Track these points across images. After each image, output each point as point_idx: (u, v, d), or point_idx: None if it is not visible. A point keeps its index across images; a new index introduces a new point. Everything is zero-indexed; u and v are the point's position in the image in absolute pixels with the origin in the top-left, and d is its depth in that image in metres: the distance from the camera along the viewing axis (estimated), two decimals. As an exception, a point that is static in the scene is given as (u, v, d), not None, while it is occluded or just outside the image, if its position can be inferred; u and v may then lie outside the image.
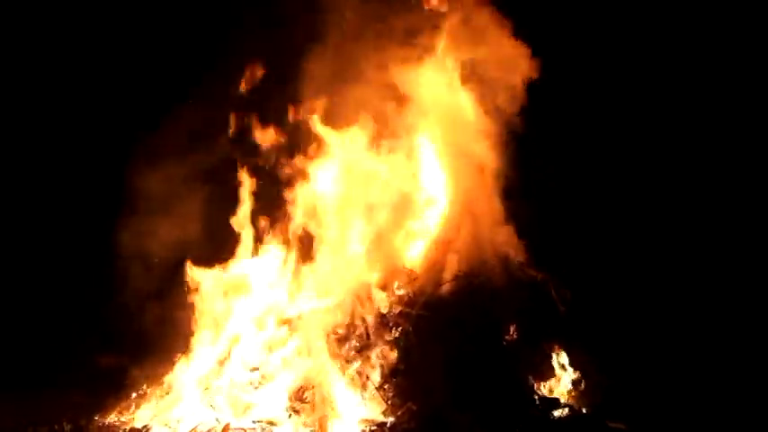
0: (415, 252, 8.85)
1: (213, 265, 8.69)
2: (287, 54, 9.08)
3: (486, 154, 8.80)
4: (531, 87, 8.81)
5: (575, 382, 8.37)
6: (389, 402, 7.70)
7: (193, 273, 8.66)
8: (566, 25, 10.58)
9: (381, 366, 7.91)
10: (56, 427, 7.94)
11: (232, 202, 8.97)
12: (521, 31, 8.78)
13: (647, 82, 11.18)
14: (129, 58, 11.24)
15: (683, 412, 7.99)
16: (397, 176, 8.90)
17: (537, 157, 9.57)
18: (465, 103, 8.93)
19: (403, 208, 8.89)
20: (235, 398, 7.87)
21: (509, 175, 8.76)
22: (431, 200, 9.03)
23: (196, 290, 8.62)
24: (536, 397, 8.06)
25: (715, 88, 11.05)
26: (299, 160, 8.88)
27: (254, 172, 9.05)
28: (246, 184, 9.00)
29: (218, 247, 8.89)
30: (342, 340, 8.05)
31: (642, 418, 7.89)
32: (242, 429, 7.54)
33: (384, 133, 8.93)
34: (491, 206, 8.75)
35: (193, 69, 10.39)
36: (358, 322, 8.13)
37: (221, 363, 8.23)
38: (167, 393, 8.26)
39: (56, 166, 11.71)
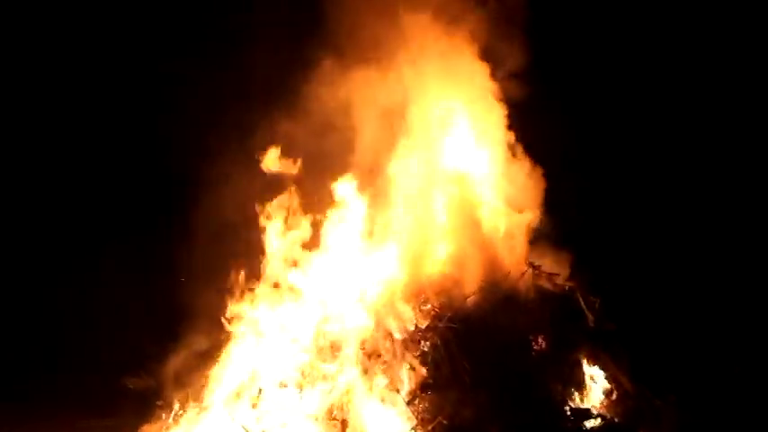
0: (439, 265, 8.81)
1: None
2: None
3: (509, 162, 8.82)
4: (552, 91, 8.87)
5: (606, 392, 8.29)
6: (420, 417, 7.66)
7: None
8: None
9: (411, 381, 7.88)
10: (89, 449, 8.02)
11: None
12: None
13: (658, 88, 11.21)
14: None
15: (716, 419, 7.89)
16: (418, 189, 8.91)
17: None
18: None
19: (426, 222, 8.88)
20: (265, 416, 7.88)
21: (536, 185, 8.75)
22: (453, 212, 8.99)
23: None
24: (567, 408, 7.99)
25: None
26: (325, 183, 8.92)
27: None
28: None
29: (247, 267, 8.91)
30: (371, 356, 8.04)
31: (676, 425, 7.80)
32: (273, 448, 7.55)
33: (403, 147, 8.95)
34: (516, 217, 8.74)
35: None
36: (386, 338, 8.11)
37: (251, 382, 8.24)
38: (198, 413, 8.28)
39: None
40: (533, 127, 9.08)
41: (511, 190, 8.98)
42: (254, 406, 8.03)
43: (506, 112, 8.95)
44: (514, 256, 8.66)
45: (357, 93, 8.79)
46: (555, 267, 8.76)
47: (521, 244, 8.74)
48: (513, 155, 9.00)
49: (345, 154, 8.83)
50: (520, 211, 8.89)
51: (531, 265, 8.71)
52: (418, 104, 8.93)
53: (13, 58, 12.76)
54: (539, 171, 8.88)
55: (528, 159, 8.96)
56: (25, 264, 12.75)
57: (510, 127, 8.96)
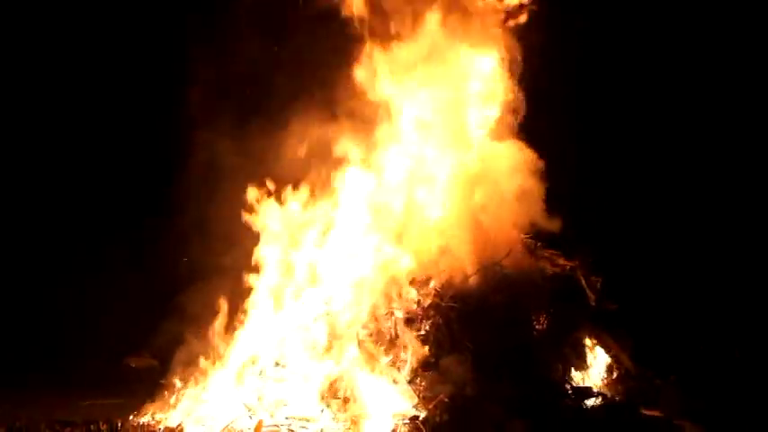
0: (440, 244, 8.79)
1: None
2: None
3: (512, 139, 8.80)
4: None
5: (607, 371, 8.31)
6: (421, 395, 7.68)
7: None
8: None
9: (412, 359, 7.89)
10: (92, 427, 8.01)
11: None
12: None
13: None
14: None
15: (717, 398, 7.91)
16: (420, 168, 8.89)
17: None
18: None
19: (427, 200, 8.87)
20: (268, 395, 7.90)
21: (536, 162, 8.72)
22: (454, 190, 8.97)
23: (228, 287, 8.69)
24: (568, 386, 8.02)
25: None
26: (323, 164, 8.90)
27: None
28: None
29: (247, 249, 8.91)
30: (373, 335, 8.06)
31: (677, 405, 7.82)
32: (275, 426, 7.55)
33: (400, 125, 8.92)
34: (517, 195, 8.73)
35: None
36: (388, 316, 8.12)
37: (254, 360, 8.26)
38: (201, 392, 8.31)
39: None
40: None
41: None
42: (256, 384, 8.06)
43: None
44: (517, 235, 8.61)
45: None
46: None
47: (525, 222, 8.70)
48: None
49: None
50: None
51: (533, 244, 8.72)
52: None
53: (8, 57, 12.72)
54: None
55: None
56: (29, 245, 12.79)
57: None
